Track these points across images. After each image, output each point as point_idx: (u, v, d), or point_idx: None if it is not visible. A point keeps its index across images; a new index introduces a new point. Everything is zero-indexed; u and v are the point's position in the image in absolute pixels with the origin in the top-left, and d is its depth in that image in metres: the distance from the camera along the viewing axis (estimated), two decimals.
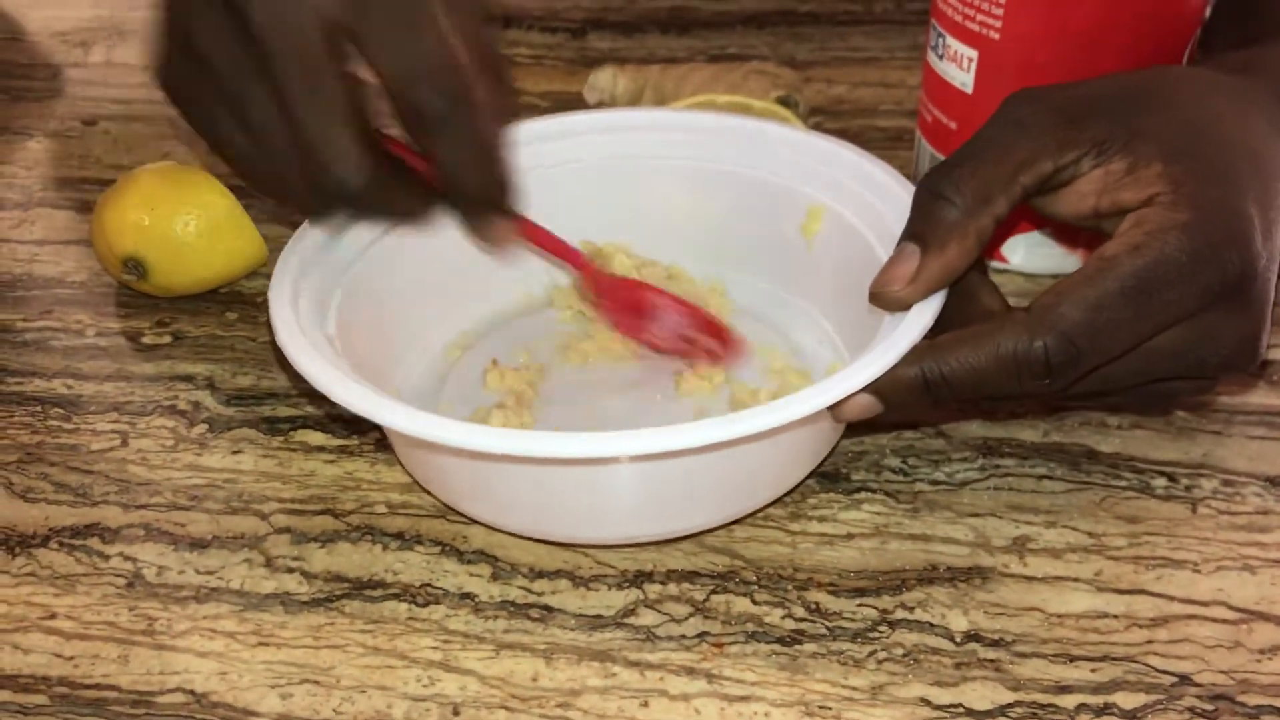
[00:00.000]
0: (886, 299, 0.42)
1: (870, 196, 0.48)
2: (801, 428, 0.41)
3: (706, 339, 0.49)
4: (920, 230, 0.41)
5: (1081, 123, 0.41)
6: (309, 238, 0.47)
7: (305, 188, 0.42)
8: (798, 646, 0.41)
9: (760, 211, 0.52)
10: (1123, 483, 0.46)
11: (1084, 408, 0.49)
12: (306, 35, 0.39)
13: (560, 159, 0.53)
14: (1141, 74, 0.44)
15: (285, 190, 0.43)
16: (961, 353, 0.39)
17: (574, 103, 0.69)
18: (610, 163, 0.54)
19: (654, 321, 0.50)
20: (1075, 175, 0.41)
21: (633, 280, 0.51)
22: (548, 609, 0.42)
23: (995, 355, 0.39)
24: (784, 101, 0.63)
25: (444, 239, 0.50)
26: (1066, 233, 0.54)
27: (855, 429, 0.48)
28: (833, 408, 0.40)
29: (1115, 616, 0.41)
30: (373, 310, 0.48)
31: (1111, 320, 0.38)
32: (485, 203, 0.44)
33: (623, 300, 0.50)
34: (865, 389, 0.40)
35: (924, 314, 0.41)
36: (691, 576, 0.43)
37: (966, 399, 0.41)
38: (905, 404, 0.40)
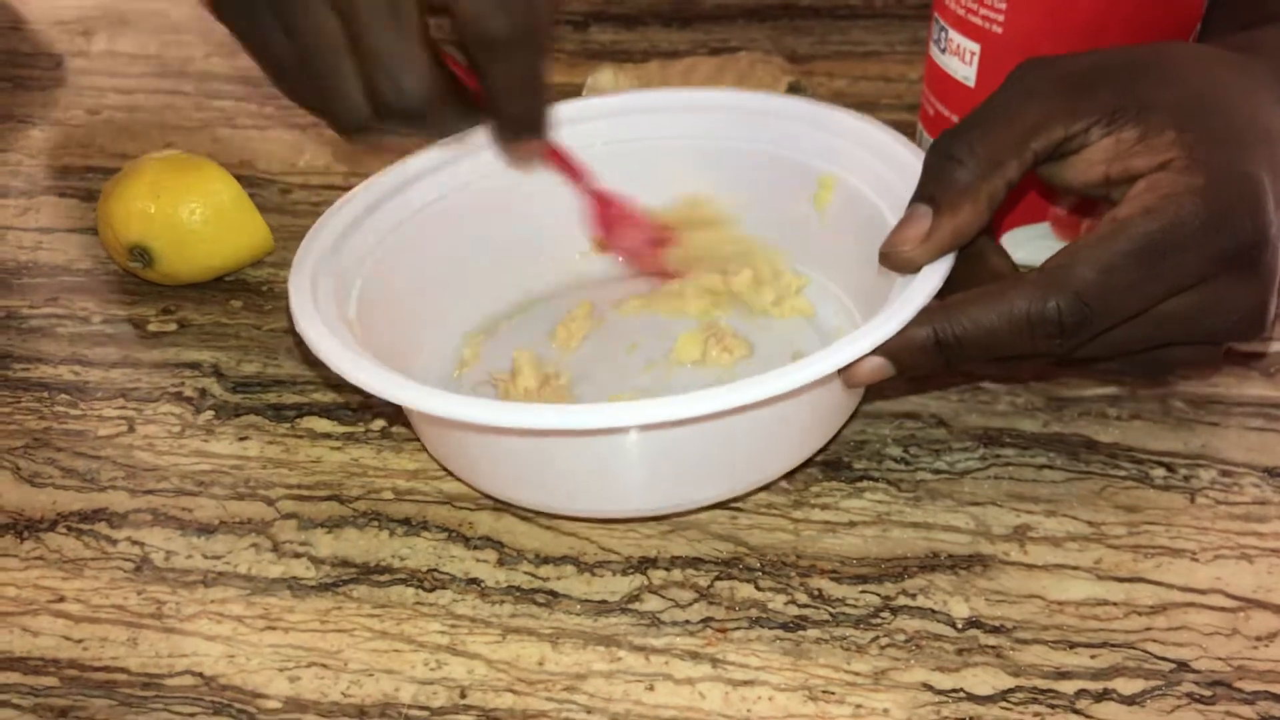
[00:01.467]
0: (897, 259, 0.42)
1: (879, 164, 0.48)
2: (814, 394, 0.41)
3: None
4: (932, 192, 0.41)
5: (1092, 91, 0.41)
6: (328, 228, 0.48)
7: (360, 98, 0.41)
8: (801, 632, 0.41)
9: (772, 185, 0.52)
10: (1122, 472, 0.46)
11: (1085, 371, 0.48)
12: None
13: (570, 144, 0.54)
14: (1150, 47, 0.44)
15: (333, 100, 0.42)
16: (974, 312, 0.39)
17: (576, 95, 0.69)
18: (620, 145, 0.54)
19: (658, 252, 0.53)
20: (1085, 143, 0.41)
21: (625, 203, 0.53)
22: (553, 594, 0.43)
23: (1008, 315, 0.39)
24: (794, 88, 0.64)
25: (464, 227, 0.51)
26: (1068, 224, 0.55)
27: (868, 397, 0.48)
28: (844, 372, 0.40)
29: (1115, 604, 0.42)
30: (393, 297, 0.49)
31: (1124, 281, 0.38)
32: (524, 126, 0.44)
33: (614, 216, 0.53)
34: (876, 351, 0.40)
35: (934, 276, 0.41)
36: (696, 563, 0.44)
37: (978, 359, 0.40)
38: (917, 365, 0.40)
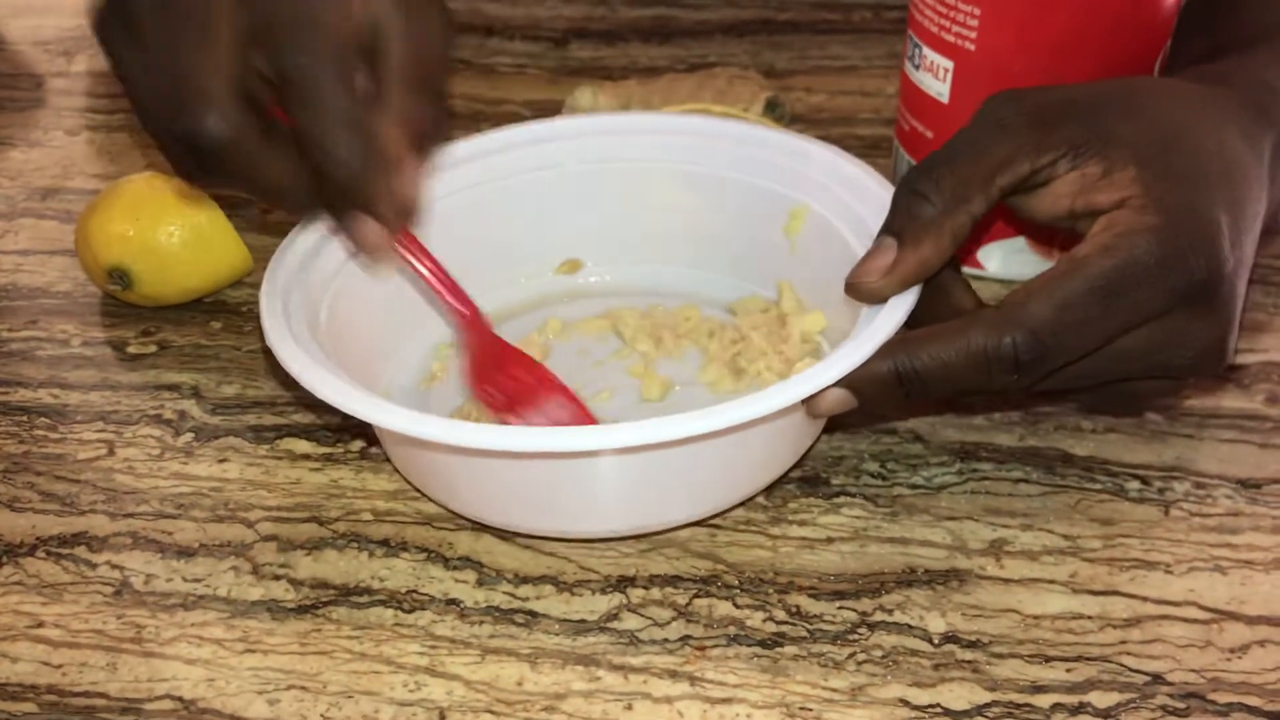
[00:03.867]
0: (862, 290, 0.42)
1: (850, 198, 0.49)
2: (778, 421, 0.42)
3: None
4: (898, 226, 0.42)
5: (1058, 125, 0.42)
6: (301, 241, 0.48)
7: (173, 137, 0.41)
8: (779, 649, 0.41)
9: (743, 212, 0.53)
10: (1097, 486, 0.47)
11: (1055, 405, 0.49)
12: None
13: (544, 163, 0.54)
14: (1118, 81, 0.45)
15: (158, 142, 0.42)
16: (933, 347, 0.40)
17: (555, 112, 0.70)
18: (593, 166, 0.54)
19: (533, 410, 0.46)
20: (1051, 177, 0.42)
21: (522, 355, 0.48)
22: (532, 614, 0.43)
23: (966, 350, 0.40)
24: (773, 102, 0.64)
25: (434, 242, 0.51)
26: (1042, 240, 0.55)
27: (832, 425, 0.48)
28: (807, 402, 0.41)
29: (1090, 617, 0.42)
30: (364, 309, 0.49)
31: (1079, 319, 0.39)
32: (350, 195, 0.43)
33: (506, 376, 0.47)
34: (838, 383, 0.40)
35: (897, 310, 0.42)
36: (674, 581, 0.44)
37: (938, 393, 0.41)
38: (878, 398, 0.41)
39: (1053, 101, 0.43)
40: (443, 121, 0.46)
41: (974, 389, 0.41)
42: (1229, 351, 0.42)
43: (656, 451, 0.40)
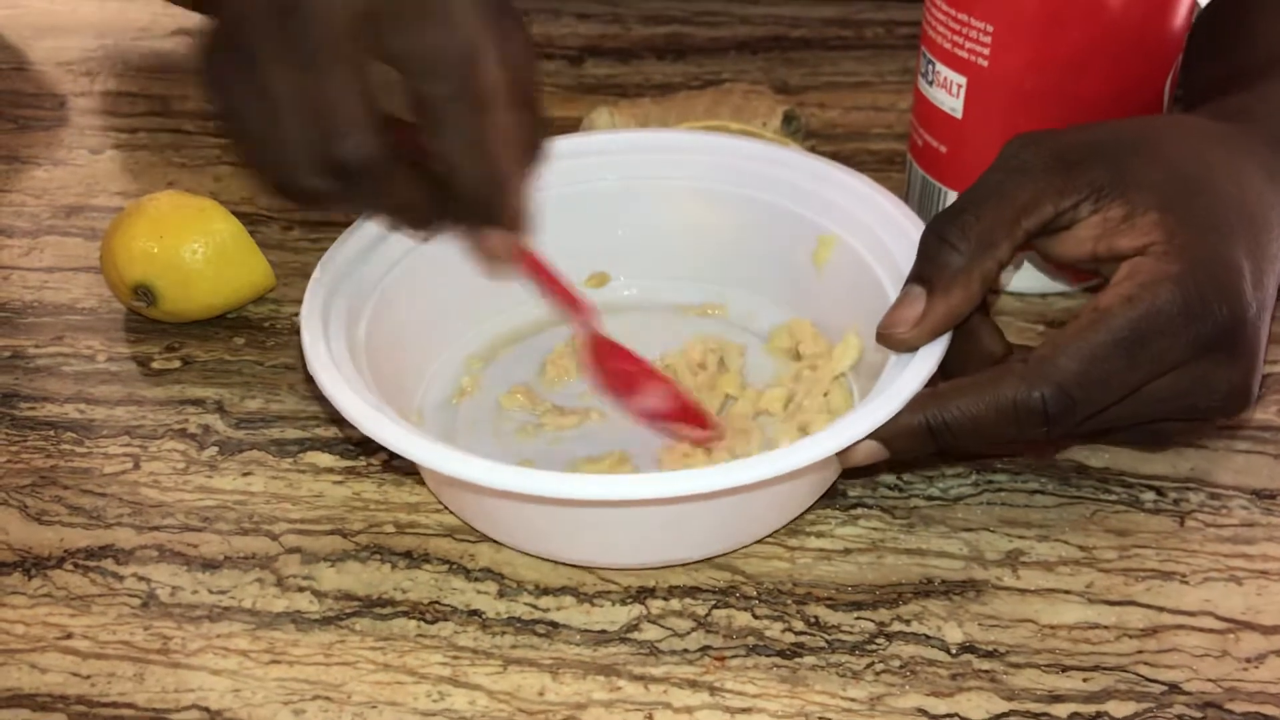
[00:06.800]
0: (893, 340, 0.43)
1: (878, 229, 0.49)
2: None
3: (688, 428, 0.48)
4: (926, 275, 0.43)
5: (1080, 168, 0.42)
6: (340, 256, 0.49)
7: (310, 160, 0.41)
8: (797, 659, 0.42)
9: (773, 236, 0.53)
10: (1112, 497, 0.47)
11: (1080, 442, 0.50)
12: (339, 13, 0.40)
13: (573, 179, 0.54)
14: (1139, 122, 0.45)
15: (289, 166, 0.42)
16: (963, 401, 0.41)
17: (572, 129, 0.70)
18: (623, 184, 0.55)
19: (640, 397, 0.49)
20: (1075, 220, 0.42)
21: (626, 351, 0.51)
22: (553, 625, 0.43)
23: (995, 405, 0.40)
24: (790, 116, 0.65)
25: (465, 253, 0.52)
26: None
27: (859, 470, 0.48)
28: (840, 454, 0.41)
29: (1106, 627, 0.42)
30: (398, 323, 0.50)
31: (1106, 371, 0.40)
32: (481, 208, 0.45)
33: (614, 368, 0.50)
34: (870, 436, 0.41)
35: (928, 360, 0.42)
36: (693, 592, 0.44)
37: (969, 445, 0.42)
38: (910, 450, 0.42)
39: (1074, 144, 0.43)
40: (542, 132, 0.47)
41: (1004, 440, 0.41)
42: (1253, 393, 0.42)
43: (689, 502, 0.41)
